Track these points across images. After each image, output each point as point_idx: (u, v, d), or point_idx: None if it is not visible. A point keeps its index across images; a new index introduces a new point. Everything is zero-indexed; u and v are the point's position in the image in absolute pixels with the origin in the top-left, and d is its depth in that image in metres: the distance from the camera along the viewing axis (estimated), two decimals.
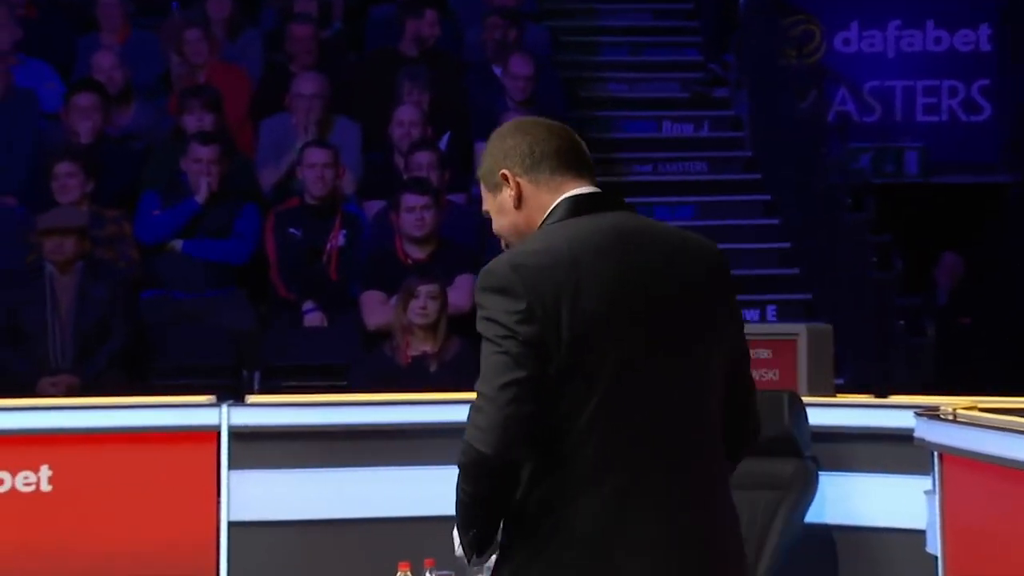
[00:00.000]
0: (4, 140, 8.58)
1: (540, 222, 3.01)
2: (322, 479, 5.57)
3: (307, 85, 8.69)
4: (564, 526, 2.79)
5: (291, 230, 7.95)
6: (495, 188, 3.07)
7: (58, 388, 7.11)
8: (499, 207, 3.07)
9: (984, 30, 12.15)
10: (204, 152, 7.97)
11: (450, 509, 2.89)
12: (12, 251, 7.83)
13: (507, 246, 3.07)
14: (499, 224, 3.08)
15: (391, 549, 4.29)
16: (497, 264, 2.89)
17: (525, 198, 3.04)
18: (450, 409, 5.48)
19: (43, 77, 9.15)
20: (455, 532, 2.93)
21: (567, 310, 2.81)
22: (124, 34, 9.66)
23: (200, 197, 7.96)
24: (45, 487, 5.50)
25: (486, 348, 2.85)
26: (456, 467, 2.85)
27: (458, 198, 8.50)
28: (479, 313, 2.88)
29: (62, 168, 7.83)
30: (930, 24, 12.22)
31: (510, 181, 3.05)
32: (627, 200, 3.13)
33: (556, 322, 2.81)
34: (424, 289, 7.04)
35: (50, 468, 5.50)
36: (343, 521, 5.54)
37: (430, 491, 5.26)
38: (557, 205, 3.00)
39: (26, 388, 6.93)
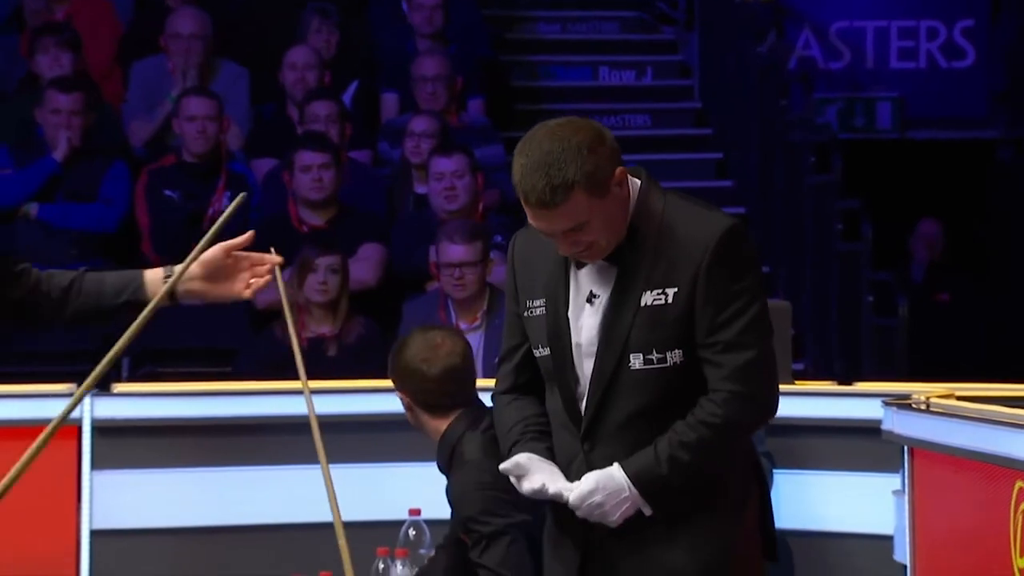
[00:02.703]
0: None
1: (627, 220, 3.43)
2: (199, 481, 5.57)
3: (186, 23, 8.63)
4: None
5: (167, 192, 7.91)
6: (601, 192, 3.37)
7: None
8: (607, 214, 3.40)
9: None
10: (63, 101, 7.91)
11: (354, 514, 2.95)
12: None
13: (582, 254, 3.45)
14: (599, 235, 3.41)
15: (279, 560, 4.32)
16: (738, 224, 3.45)
17: (631, 197, 3.47)
18: (352, 399, 5.49)
19: None
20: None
21: None
22: None
23: (59, 154, 7.90)
24: None
25: (745, 304, 3.40)
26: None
27: (361, 156, 8.49)
28: (730, 271, 3.39)
29: None
30: None
31: (628, 179, 3.44)
32: None
33: None
34: (323, 262, 7.04)
35: None
36: (223, 529, 5.54)
37: (325, 494, 5.26)
38: (644, 182, 3.47)
39: None
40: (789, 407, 5.40)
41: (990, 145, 12.12)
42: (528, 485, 3.48)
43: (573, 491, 3.43)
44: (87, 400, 5.57)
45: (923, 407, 5.05)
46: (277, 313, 7.30)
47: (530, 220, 3.47)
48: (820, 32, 12.24)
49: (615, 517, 3.43)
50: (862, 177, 10.27)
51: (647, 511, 3.44)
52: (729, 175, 10.18)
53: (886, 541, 5.19)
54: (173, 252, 7.82)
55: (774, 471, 5.34)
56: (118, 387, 5.89)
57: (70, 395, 5.59)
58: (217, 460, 5.59)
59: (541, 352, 3.54)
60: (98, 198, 7.94)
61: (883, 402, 5.19)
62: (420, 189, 8.10)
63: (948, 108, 12.20)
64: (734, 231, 3.45)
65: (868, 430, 5.26)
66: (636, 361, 3.44)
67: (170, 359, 7.59)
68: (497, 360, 3.71)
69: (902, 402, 5.13)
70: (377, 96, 9.07)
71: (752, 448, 3.64)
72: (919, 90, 12.23)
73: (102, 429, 5.54)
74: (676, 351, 3.43)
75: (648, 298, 3.43)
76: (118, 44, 9.10)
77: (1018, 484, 4.46)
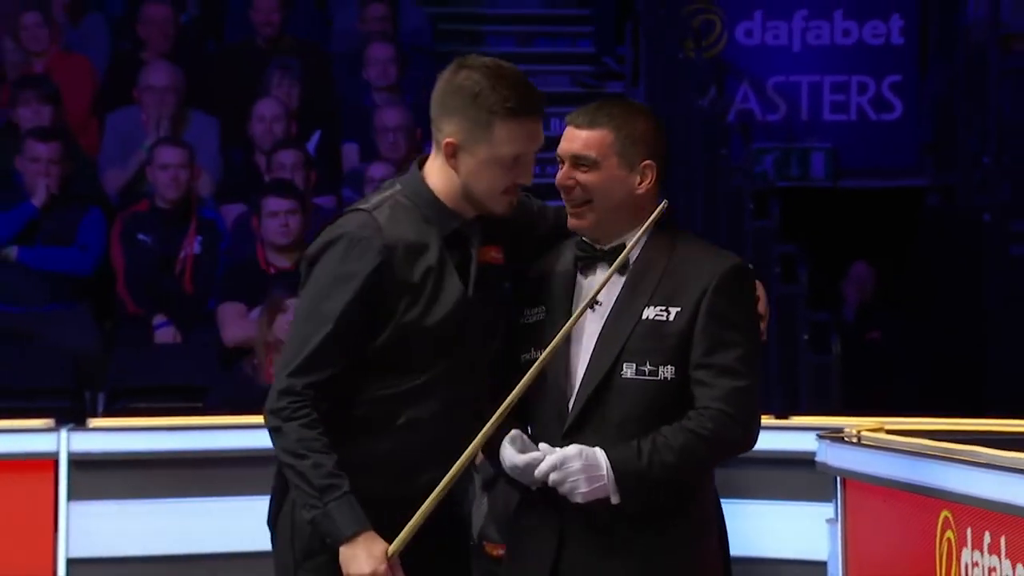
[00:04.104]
0: None
1: (637, 223, 3.43)
2: (173, 511, 5.57)
3: (159, 76, 8.64)
4: None
5: (140, 237, 7.91)
6: (628, 166, 3.43)
7: None
8: (615, 182, 3.43)
9: (896, 21, 12.38)
10: (42, 150, 7.91)
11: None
12: None
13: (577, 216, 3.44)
14: (596, 190, 3.40)
15: None
16: (748, 265, 3.48)
17: (650, 197, 3.46)
18: None
19: None
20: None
21: None
22: None
23: (38, 200, 7.89)
24: None
25: (743, 336, 3.39)
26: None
27: (326, 201, 8.51)
28: (733, 302, 3.40)
29: None
30: (838, 15, 12.41)
31: (651, 175, 3.46)
32: None
33: None
34: (293, 302, 7.04)
35: None
36: (196, 557, 5.54)
37: None
38: (666, 216, 3.47)
39: None
40: None
41: (919, 192, 12.22)
42: (512, 459, 3.39)
43: (555, 453, 3.36)
44: (63, 434, 5.57)
45: (854, 440, 5.09)
46: (246, 351, 7.30)
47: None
48: (758, 86, 12.32)
49: (584, 490, 3.34)
50: (798, 223, 10.34)
51: (615, 499, 3.35)
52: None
53: (820, 567, 5.22)
54: (146, 293, 7.87)
55: None
56: (93, 422, 5.89)
57: (48, 430, 5.61)
58: (189, 491, 5.59)
59: (531, 356, 3.46)
60: (75, 242, 7.93)
61: (817, 435, 5.23)
62: None
63: (878, 158, 12.29)
64: (744, 268, 3.48)
65: (803, 462, 5.30)
66: (628, 370, 3.40)
67: (143, 396, 7.58)
68: None
69: (835, 435, 5.17)
70: (339, 146, 9.10)
71: (713, 482, 3.63)
72: (851, 141, 12.31)
73: (78, 462, 5.53)
74: (669, 367, 3.40)
75: (651, 312, 3.41)
76: (94, 96, 9.10)
77: (944, 513, 4.50)
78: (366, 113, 8.97)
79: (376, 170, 8.25)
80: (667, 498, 3.41)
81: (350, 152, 9.08)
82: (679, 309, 3.42)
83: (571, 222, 3.49)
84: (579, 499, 3.36)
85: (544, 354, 3.38)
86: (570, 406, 3.44)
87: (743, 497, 5.49)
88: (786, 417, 5.95)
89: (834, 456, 5.08)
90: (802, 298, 9.14)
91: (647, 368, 3.41)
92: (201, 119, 8.80)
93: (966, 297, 10.91)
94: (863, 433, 5.09)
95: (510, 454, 3.41)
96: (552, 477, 3.36)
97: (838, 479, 5.09)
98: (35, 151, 7.91)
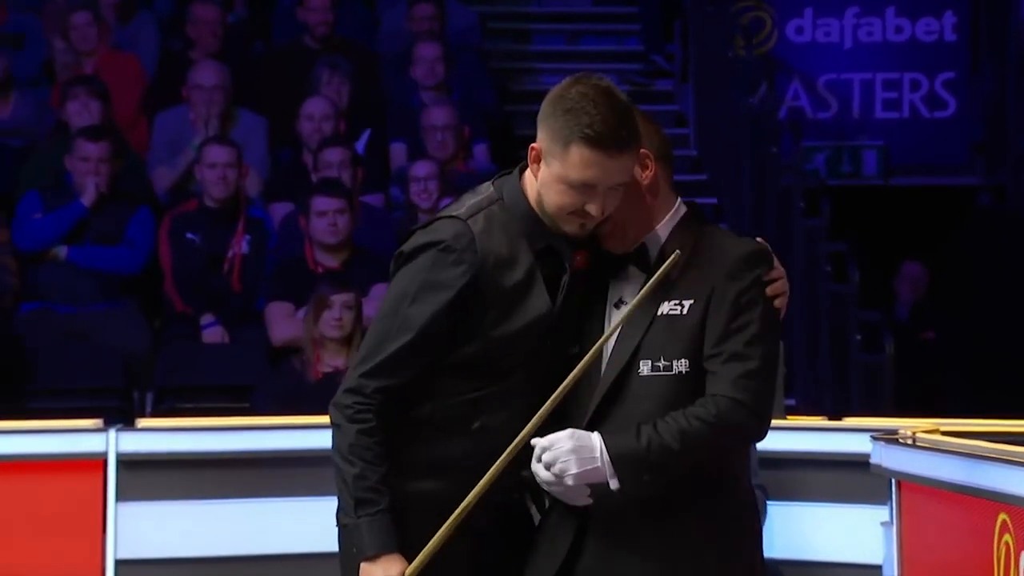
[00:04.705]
0: None
1: (655, 221, 3.41)
2: (221, 512, 5.55)
3: (208, 75, 8.65)
4: None
5: (189, 236, 7.91)
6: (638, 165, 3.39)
7: None
8: (629, 191, 3.37)
9: (949, 18, 12.30)
10: (91, 149, 7.91)
11: None
12: None
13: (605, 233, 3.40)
14: (616, 211, 3.37)
15: None
16: (766, 249, 3.41)
17: (658, 189, 3.43)
18: None
19: None
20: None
21: None
22: (1, 17, 9.58)
23: (87, 199, 7.90)
24: None
25: (754, 320, 3.35)
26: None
27: (374, 200, 8.49)
28: (745, 288, 3.35)
29: None
30: (891, 12, 12.35)
31: (651, 164, 3.42)
32: None
33: None
34: (339, 299, 7.03)
35: None
36: (244, 559, 5.53)
37: None
38: (689, 213, 3.46)
39: None
40: (781, 441, 5.44)
41: (970, 191, 12.13)
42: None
43: (547, 437, 3.33)
44: (112, 434, 5.56)
45: (909, 442, 5.04)
46: (294, 350, 7.29)
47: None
48: (809, 84, 12.27)
49: (575, 470, 3.28)
50: (849, 221, 10.27)
51: (613, 484, 3.30)
52: (723, 219, 10.18)
53: (875, 571, 5.17)
54: (194, 292, 7.88)
55: (768, 503, 5.31)
56: (142, 422, 5.87)
57: (97, 430, 5.59)
58: (237, 492, 5.57)
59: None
60: (123, 241, 7.94)
61: (871, 437, 5.17)
62: None
63: (930, 156, 12.22)
64: (758, 252, 3.43)
65: (857, 464, 5.24)
66: (645, 367, 3.37)
67: (190, 395, 7.58)
68: None
69: (889, 437, 5.12)
70: (387, 145, 9.09)
71: (750, 486, 3.57)
72: (903, 139, 12.25)
73: (126, 463, 5.52)
74: (683, 360, 3.37)
75: (665, 308, 3.39)
76: (143, 95, 9.12)
77: (1001, 516, 4.44)
78: (413, 112, 8.95)
79: (421, 168, 8.23)
80: (676, 487, 3.33)
81: (398, 151, 9.07)
82: (692, 301, 3.38)
83: (610, 245, 3.45)
84: (571, 481, 3.30)
85: (586, 357, 3.33)
86: (589, 406, 3.40)
87: (796, 499, 5.44)
88: (839, 418, 5.89)
89: (889, 458, 5.03)
90: (853, 297, 9.07)
91: (662, 364, 3.37)
92: (249, 118, 8.81)
93: (1019, 297, 10.82)
94: (918, 435, 5.03)
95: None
96: (543, 458, 3.31)
97: (893, 481, 5.03)
98: (85, 150, 7.92)
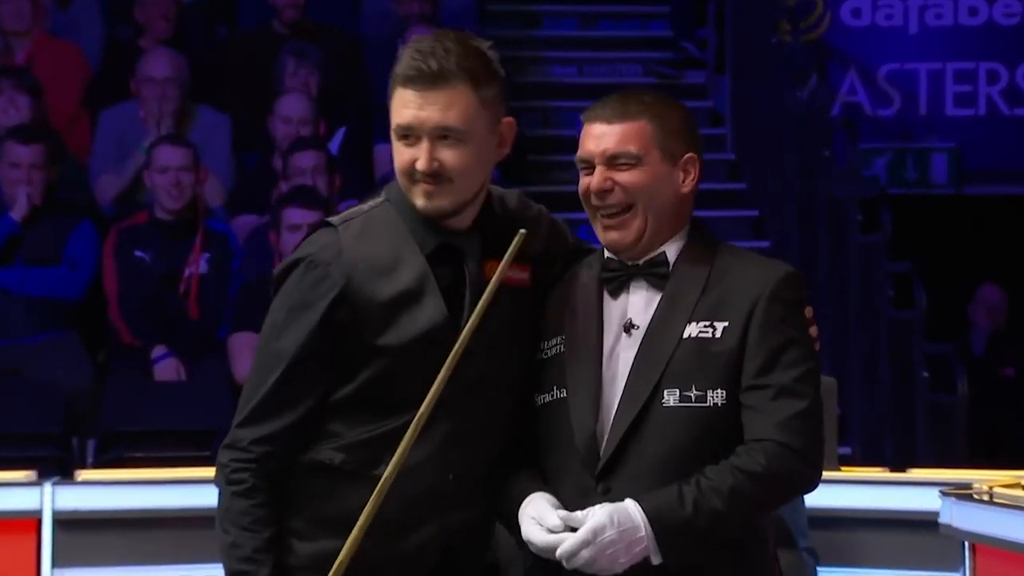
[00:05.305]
0: None
1: (676, 225, 3.47)
2: None
3: (160, 65, 8.68)
4: None
5: (138, 254, 7.94)
6: (671, 161, 3.47)
7: None
8: (660, 180, 3.45)
9: None
10: (23, 153, 7.95)
11: None
12: None
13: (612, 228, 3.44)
14: (640, 190, 3.43)
15: None
16: (800, 272, 3.49)
17: (691, 200, 3.51)
18: None
19: None
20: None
21: None
22: None
23: (18, 213, 7.94)
24: None
25: (803, 351, 3.39)
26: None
27: None
28: (790, 313, 3.40)
29: None
30: None
31: (694, 171, 3.50)
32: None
33: None
34: None
35: None
36: None
37: None
38: (697, 225, 3.53)
39: None
40: (835, 497, 5.45)
41: None
42: (532, 536, 3.34)
43: (584, 524, 3.28)
44: (47, 488, 5.57)
45: (986, 497, 5.05)
46: None
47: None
48: (867, 75, 12.30)
49: (624, 559, 3.28)
50: (914, 236, 10.30)
51: (655, 559, 3.29)
52: (766, 234, 10.21)
53: None
54: (145, 320, 7.89)
55: (818, 569, 5.32)
56: (82, 474, 5.89)
57: (30, 484, 5.60)
58: (193, 556, 5.58)
59: (553, 396, 3.45)
60: (62, 261, 7.96)
61: (940, 492, 5.19)
62: None
63: (1010, 160, 12.24)
64: (798, 276, 3.47)
65: (924, 523, 5.26)
66: (671, 397, 3.37)
67: (140, 442, 7.58)
68: None
69: (962, 492, 5.13)
70: (370, 145, 9.10)
71: (775, 553, 3.53)
72: (978, 140, 12.27)
73: (64, 522, 5.53)
74: (719, 391, 3.36)
75: (693, 329, 3.40)
76: (84, 90, 9.15)
77: None
78: None
79: None
80: (716, 552, 3.33)
81: (383, 153, 9.09)
82: (727, 324, 3.40)
83: (609, 236, 3.47)
84: (620, 569, 3.31)
85: (454, 349, 3.31)
86: (602, 447, 3.38)
87: (854, 564, 5.46)
88: (903, 470, 5.91)
89: (961, 517, 5.04)
90: (919, 326, 9.09)
91: (693, 394, 3.37)
92: (209, 115, 8.83)
93: None
94: (996, 489, 5.05)
95: (531, 529, 3.36)
96: (583, 555, 3.29)
97: (966, 544, 5.05)
98: (15, 155, 7.96)
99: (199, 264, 7.95)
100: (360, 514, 3.32)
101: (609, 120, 3.46)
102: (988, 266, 11.06)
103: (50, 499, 5.54)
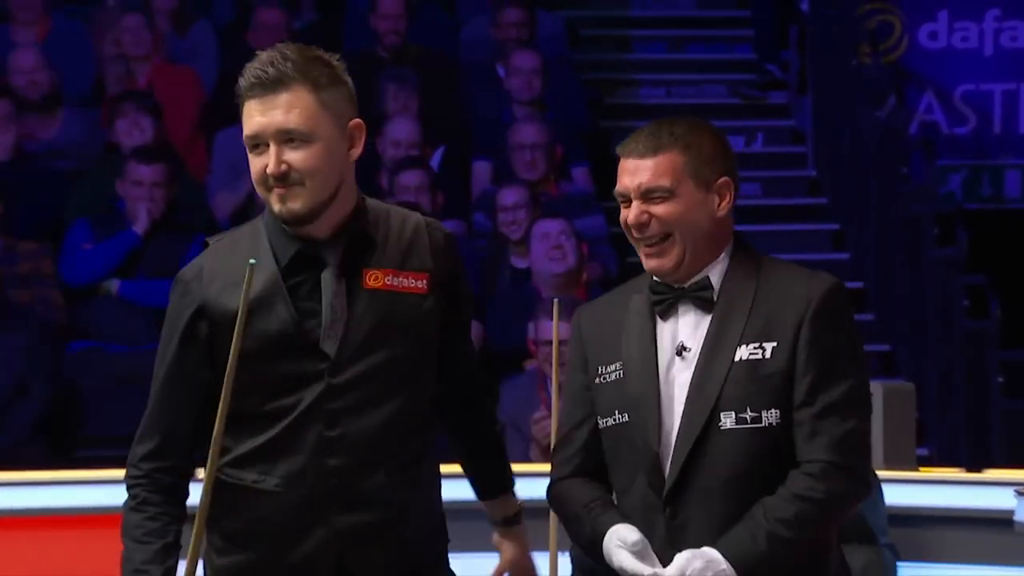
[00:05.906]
0: None
1: (717, 247, 3.47)
2: None
3: None
4: None
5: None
6: (704, 187, 3.47)
7: None
8: (691, 215, 3.45)
9: None
10: (145, 172, 8.03)
11: None
12: None
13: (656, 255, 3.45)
14: (676, 221, 3.44)
15: None
16: (843, 284, 3.45)
17: (729, 221, 3.51)
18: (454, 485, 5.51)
19: None
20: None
21: None
22: (44, 25, 9.61)
23: (140, 228, 8.04)
24: None
25: (850, 365, 3.39)
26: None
27: (454, 226, 8.58)
28: (835, 327, 3.39)
29: None
30: None
31: (729, 194, 3.50)
32: None
33: None
34: None
35: None
36: None
37: None
38: (737, 242, 3.52)
39: None
40: (914, 496, 5.48)
41: None
42: (628, 564, 3.38)
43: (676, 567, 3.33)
44: None
45: None
46: None
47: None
48: (944, 96, 12.24)
49: None
50: (989, 251, 10.25)
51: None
52: (845, 247, 10.20)
53: None
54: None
55: (898, 564, 5.35)
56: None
57: None
58: None
59: (615, 420, 3.48)
60: None
61: (1015, 491, 5.21)
62: (518, 263, 8.19)
63: None
64: (841, 289, 3.46)
65: (999, 521, 5.27)
66: (728, 420, 3.39)
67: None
68: (553, 446, 3.68)
69: None
70: (469, 163, 9.16)
71: (843, 557, 3.56)
72: None
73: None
74: (773, 411, 3.39)
75: (744, 352, 3.41)
76: (201, 112, 9.24)
77: None
78: (500, 128, 9.01)
79: (509, 196, 8.29)
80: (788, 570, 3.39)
81: (481, 171, 9.15)
82: (775, 344, 3.42)
83: (651, 263, 3.50)
84: None
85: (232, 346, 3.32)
86: (666, 470, 3.43)
87: (931, 560, 5.48)
88: (978, 470, 5.93)
89: None
90: (994, 336, 9.08)
91: (748, 415, 3.40)
92: None
93: None
94: None
95: (627, 559, 3.40)
96: None
97: None
98: (137, 173, 8.03)
99: None
100: (262, 526, 3.39)
101: (642, 155, 3.47)
102: None
103: None
